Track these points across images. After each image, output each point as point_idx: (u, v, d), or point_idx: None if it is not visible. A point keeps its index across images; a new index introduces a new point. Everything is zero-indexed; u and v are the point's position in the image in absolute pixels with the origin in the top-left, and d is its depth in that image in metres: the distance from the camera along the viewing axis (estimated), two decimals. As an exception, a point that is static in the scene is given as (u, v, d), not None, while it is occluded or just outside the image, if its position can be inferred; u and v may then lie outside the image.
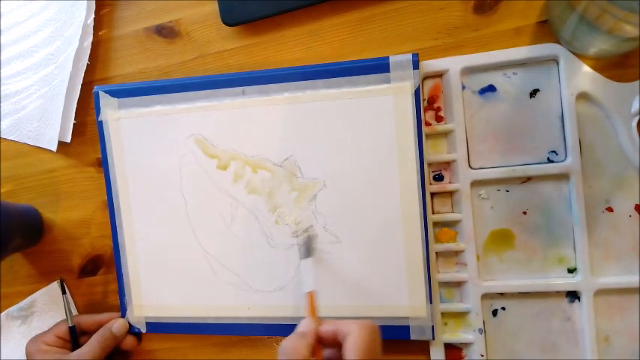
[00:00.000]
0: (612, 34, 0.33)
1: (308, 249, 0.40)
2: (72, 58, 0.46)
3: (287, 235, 0.42)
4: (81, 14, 0.47)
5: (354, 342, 0.30)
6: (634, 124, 0.37)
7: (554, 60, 0.39)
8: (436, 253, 0.41)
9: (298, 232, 0.42)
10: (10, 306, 0.51)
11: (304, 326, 0.33)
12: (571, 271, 0.39)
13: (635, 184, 0.38)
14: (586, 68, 0.38)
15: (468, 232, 0.40)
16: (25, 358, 0.43)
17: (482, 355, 0.40)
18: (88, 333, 0.45)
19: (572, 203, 0.39)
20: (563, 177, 0.39)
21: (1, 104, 0.50)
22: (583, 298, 0.38)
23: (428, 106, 0.41)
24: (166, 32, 0.46)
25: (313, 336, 0.32)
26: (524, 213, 0.40)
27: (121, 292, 0.46)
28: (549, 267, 0.39)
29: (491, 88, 0.40)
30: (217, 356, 0.46)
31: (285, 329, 0.43)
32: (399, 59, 0.39)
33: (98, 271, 0.49)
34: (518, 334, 0.40)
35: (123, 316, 0.46)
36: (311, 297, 0.36)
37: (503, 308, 0.40)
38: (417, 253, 0.39)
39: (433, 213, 0.41)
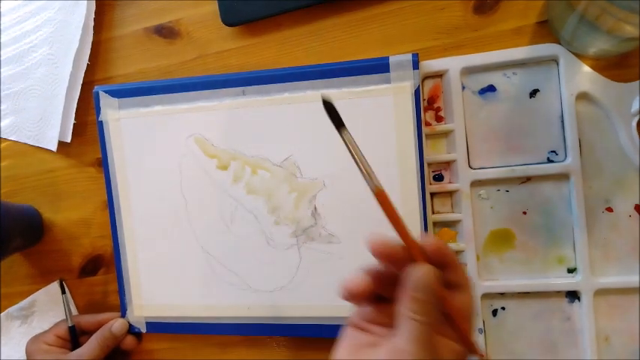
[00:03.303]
0: (612, 34, 0.33)
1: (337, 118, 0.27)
2: (72, 58, 0.46)
3: (287, 235, 0.42)
4: (81, 14, 0.47)
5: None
6: (634, 124, 0.37)
7: (554, 60, 0.39)
8: (436, 253, 0.41)
9: (298, 232, 0.42)
10: (10, 306, 0.51)
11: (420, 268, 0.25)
12: (571, 271, 0.39)
13: (635, 184, 0.38)
14: (586, 68, 0.38)
15: (468, 232, 0.40)
16: (25, 357, 0.43)
17: (482, 355, 0.40)
18: (88, 333, 0.45)
19: (572, 203, 0.38)
20: (563, 177, 0.39)
21: (1, 104, 0.50)
22: (583, 298, 0.38)
23: (428, 106, 0.41)
24: (166, 32, 0.46)
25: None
26: (524, 213, 0.40)
27: (121, 292, 0.46)
28: (549, 267, 0.39)
29: (491, 88, 0.40)
30: (217, 356, 0.46)
31: (285, 329, 0.43)
32: (399, 59, 0.39)
33: (98, 271, 0.49)
34: (518, 334, 0.40)
35: (123, 316, 0.46)
36: (381, 195, 0.26)
37: (503, 308, 0.40)
38: (417, 253, 0.39)
39: (433, 213, 0.41)
